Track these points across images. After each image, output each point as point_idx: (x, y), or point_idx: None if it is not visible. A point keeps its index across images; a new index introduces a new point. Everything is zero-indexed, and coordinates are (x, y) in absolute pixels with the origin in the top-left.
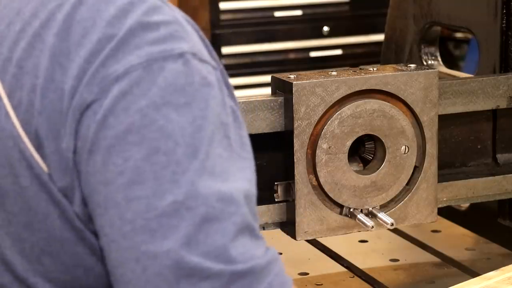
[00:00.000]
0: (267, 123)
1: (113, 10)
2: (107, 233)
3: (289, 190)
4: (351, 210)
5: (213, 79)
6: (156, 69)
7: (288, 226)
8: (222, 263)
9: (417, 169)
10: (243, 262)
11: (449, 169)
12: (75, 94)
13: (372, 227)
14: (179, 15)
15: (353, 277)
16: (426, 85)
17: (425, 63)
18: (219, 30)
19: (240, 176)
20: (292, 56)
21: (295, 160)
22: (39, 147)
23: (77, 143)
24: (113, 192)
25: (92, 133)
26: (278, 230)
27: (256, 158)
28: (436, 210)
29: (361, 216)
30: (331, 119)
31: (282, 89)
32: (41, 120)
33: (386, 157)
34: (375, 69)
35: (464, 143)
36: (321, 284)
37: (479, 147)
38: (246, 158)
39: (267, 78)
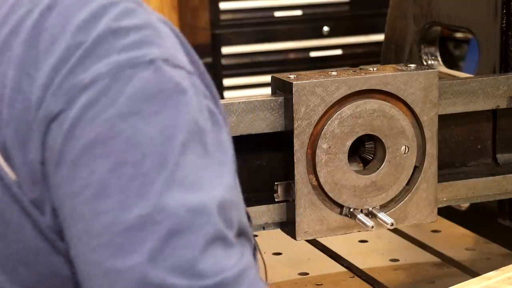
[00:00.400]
0: (267, 123)
1: (84, 15)
2: (76, 245)
3: (289, 190)
4: (351, 210)
5: (187, 84)
6: (125, 77)
7: (288, 226)
8: (189, 279)
9: (417, 169)
10: (212, 275)
11: (449, 169)
12: (42, 104)
13: (372, 227)
14: (154, 17)
15: (353, 277)
16: (426, 85)
17: (425, 63)
18: (219, 30)
19: (216, 183)
20: (292, 56)
21: (295, 160)
22: (7, 158)
23: (45, 154)
24: (79, 205)
25: (59, 144)
26: (278, 230)
27: (256, 158)
28: (436, 210)
29: (361, 216)
30: (331, 119)
31: (282, 89)
32: (8, 131)
33: (386, 157)
34: (375, 69)
35: (464, 143)
36: (321, 284)
37: (479, 147)
38: (225, 163)
39: (267, 78)
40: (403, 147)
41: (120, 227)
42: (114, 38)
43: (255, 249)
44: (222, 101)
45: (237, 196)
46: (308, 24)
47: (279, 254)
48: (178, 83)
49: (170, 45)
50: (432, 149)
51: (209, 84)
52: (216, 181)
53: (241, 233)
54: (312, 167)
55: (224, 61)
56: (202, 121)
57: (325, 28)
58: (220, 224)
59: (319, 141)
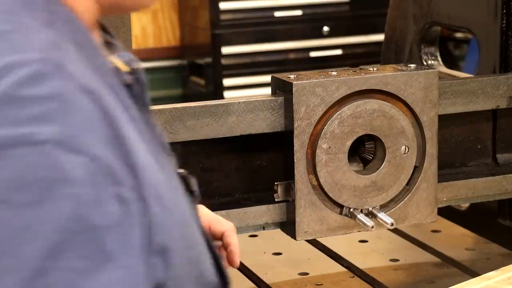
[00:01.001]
0: (267, 123)
1: None
2: None
3: (289, 190)
4: (351, 210)
5: (80, 174)
6: (1, 157)
7: (288, 226)
8: None
9: (417, 169)
10: None
11: (449, 169)
12: None
13: (372, 227)
14: (74, 86)
15: (353, 277)
16: (426, 85)
17: (425, 63)
18: (219, 30)
19: None
20: (292, 56)
21: (295, 160)
22: None
23: None
24: None
25: None
26: (278, 230)
27: (256, 158)
28: (436, 210)
29: (361, 216)
30: (331, 119)
31: (282, 89)
32: None
33: (386, 157)
34: (375, 69)
35: (464, 143)
36: (321, 284)
37: (479, 147)
38: (129, 266)
39: (267, 78)
40: (403, 147)
41: None
42: (7, 108)
43: None
44: (222, 101)
45: None
46: (308, 24)
47: (279, 254)
48: (67, 171)
49: (79, 123)
50: (432, 149)
51: (133, 166)
52: None
53: None
54: (312, 167)
55: (224, 61)
56: (97, 216)
57: (325, 28)
58: None
59: (319, 141)
